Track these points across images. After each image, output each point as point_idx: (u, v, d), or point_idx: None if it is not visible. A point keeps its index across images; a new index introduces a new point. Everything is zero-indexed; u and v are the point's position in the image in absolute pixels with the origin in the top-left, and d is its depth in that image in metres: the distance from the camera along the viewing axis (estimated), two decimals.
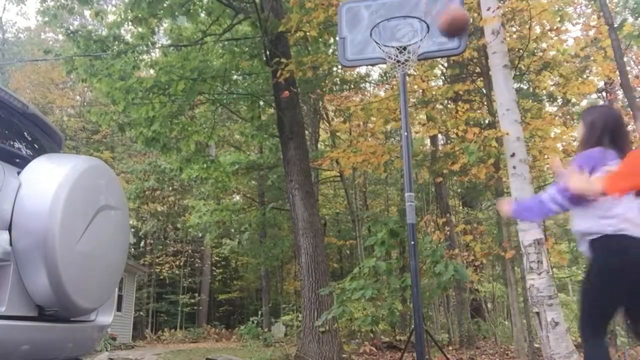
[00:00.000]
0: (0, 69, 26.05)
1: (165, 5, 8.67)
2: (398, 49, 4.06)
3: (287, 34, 8.24)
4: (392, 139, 15.63)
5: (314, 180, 13.15)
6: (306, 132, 13.26)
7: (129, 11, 8.69)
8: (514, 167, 5.14)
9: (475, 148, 5.55)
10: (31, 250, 2.22)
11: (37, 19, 24.68)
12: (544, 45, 8.88)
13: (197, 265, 24.18)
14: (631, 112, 6.65)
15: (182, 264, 22.77)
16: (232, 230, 17.37)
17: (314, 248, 8.47)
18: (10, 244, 2.20)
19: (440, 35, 4.24)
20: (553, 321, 4.65)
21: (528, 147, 6.62)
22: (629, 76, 6.92)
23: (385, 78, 13.79)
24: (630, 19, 10.21)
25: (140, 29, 9.04)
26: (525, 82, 10.67)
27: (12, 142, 2.75)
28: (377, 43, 4.11)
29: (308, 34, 7.58)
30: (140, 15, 8.59)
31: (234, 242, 16.66)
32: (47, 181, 2.34)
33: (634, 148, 2.82)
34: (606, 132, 2.58)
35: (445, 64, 10.84)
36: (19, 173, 2.38)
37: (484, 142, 5.71)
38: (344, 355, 8.70)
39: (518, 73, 9.12)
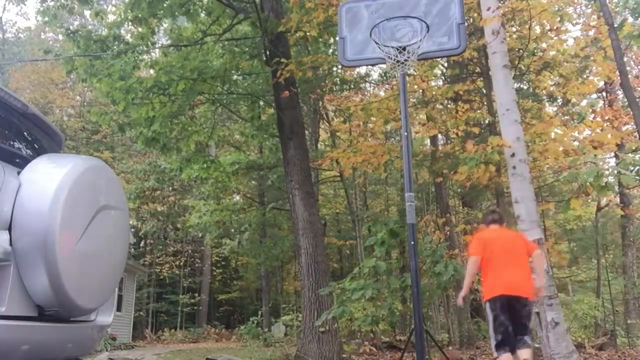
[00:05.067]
0: (0, 69, 26.05)
1: (165, 5, 8.67)
2: (398, 49, 4.06)
3: (287, 34, 8.24)
4: (392, 139, 15.63)
5: (314, 180, 13.14)
6: (306, 132, 13.25)
7: (129, 11, 8.69)
8: (514, 167, 5.14)
9: (476, 158, 5.51)
10: (31, 250, 2.22)
11: (37, 19, 24.63)
12: (544, 45, 8.88)
13: (197, 265, 24.17)
14: (631, 112, 6.65)
15: (182, 264, 22.77)
16: (232, 230, 17.36)
17: (314, 248, 8.46)
18: (10, 244, 2.20)
19: (440, 35, 4.25)
20: (553, 321, 4.65)
21: (529, 150, 6.62)
22: (629, 76, 6.92)
23: (385, 78, 13.79)
24: (630, 19, 10.19)
25: (140, 29, 9.04)
26: (525, 82, 10.67)
27: (12, 142, 2.75)
28: (376, 43, 4.12)
29: (308, 34, 7.58)
30: (140, 15, 8.60)
31: (234, 242, 16.63)
32: (47, 181, 2.34)
33: None
34: None
35: (445, 64, 10.84)
36: (19, 173, 2.38)
37: (484, 154, 5.65)
38: (344, 355, 8.70)
39: (518, 73, 9.12)
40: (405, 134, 4.05)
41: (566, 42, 8.83)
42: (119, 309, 14.61)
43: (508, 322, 4.00)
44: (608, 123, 8.99)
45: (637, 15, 10.27)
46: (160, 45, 10.96)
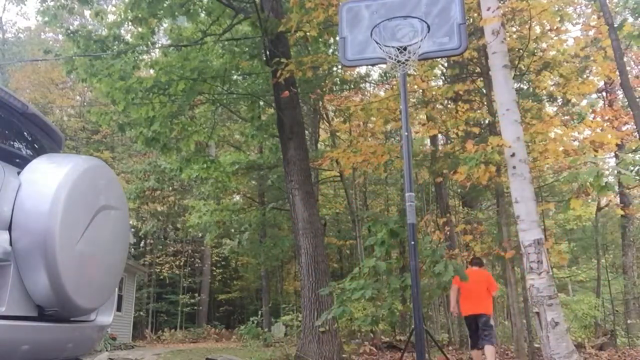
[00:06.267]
0: (0, 69, 26.04)
1: (165, 5, 8.67)
2: (398, 49, 4.05)
3: (287, 34, 8.24)
4: (392, 139, 15.63)
5: (314, 180, 13.14)
6: (306, 132, 13.25)
7: (129, 11, 8.69)
8: (514, 167, 5.14)
9: (476, 158, 5.50)
10: (31, 250, 2.22)
11: (37, 19, 24.66)
12: (544, 45, 8.88)
13: (197, 265, 24.17)
14: (631, 112, 6.65)
15: (182, 264, 22.76)
16: (232, 230, 17.36)
17: (314, 248, 8.46)
18: (10, 244, 2.19)
19: (441, 35, 4.24)
20: (553, 321, 4.65)
21: (529, 150, 6.61)
22: (629, 76, 6.92)
23: (385, 78, 13.78)
24: (630, 19, 10.19)
25: (140, 29, 9.04)
26: (525, 82, 10.67)
27: (12, 142, 2.75)
28: (377, 43, 4.11)
29: (308, 34, 7.57)
30: (140, 15, 8.59)
31: (234, 242, 16.63)
32: (47, 181, 2.34)
33: None
34: None
35: (445, 64, 10.84)
36: (19, 173, 2.38)
37: (484, 154, 5.65)
38: (344, 355, 8.70)
39: (518, 73, 9.12)
40: (406, 134, 4.04)
41: (566, 42, 8.83)
42: (119, 309, 14.61)
43: (474, 330, 6.62)
44: (608, 123, 8.99)
45: (637, 15, 10.27)
46: (160, 45, 10.96)
